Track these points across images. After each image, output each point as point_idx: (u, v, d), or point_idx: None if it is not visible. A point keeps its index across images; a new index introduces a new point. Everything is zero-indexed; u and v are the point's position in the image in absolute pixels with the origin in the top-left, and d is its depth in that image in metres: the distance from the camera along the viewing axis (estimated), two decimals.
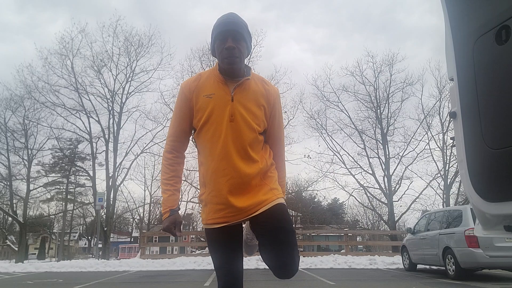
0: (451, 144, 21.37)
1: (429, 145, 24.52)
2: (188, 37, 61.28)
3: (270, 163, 1.90)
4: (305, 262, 12.41)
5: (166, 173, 1.90)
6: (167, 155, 1.92)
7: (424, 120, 24.48)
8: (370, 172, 24.97)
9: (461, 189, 23.32)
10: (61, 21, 55.33)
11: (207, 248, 21.80)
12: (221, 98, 1.82)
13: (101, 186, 26.65)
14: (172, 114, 1.97)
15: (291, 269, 1.72)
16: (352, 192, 26.44)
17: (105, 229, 24.13)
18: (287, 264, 1.70)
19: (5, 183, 27.43)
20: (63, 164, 29.96)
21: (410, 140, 24.63)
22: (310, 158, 25.24)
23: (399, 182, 24.77)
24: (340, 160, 25.20)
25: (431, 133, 24.66)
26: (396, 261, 12.35)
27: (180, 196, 1.99)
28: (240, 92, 1.84)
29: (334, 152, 25.29)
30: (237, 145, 1.79)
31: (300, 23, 67.22)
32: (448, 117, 17.93)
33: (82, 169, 29.01)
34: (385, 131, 24.78)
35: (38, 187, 29.34)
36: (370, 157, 25.02)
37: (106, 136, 24.91)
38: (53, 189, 32.88)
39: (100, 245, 24.24)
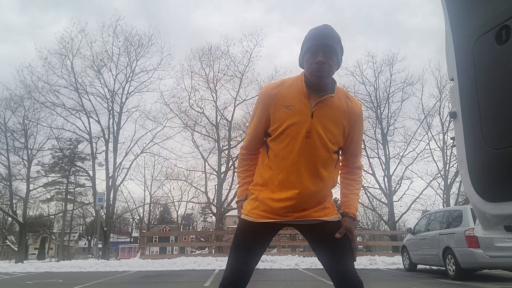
0: (451, 144, 21.37)
1: (429, 145, 24.59)
2: (190, 38, 61.36)
3: (336, 183, 1.92)
4: (305, 262, 12.41)
5: (240, 167, 2.03)
6: (242, 151, 2.01)
7: (424, 120, 24.53)
8: (370, 172, 25.01)
9: (461, 189, 23.34)
10: (64, 22, 55.53)
11: (207, 248, 21.83)
12: (301, 112, 1.78)
13: (101, 186, 26.72)
14: (251, 114, 1.97)
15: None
16: None
17: (105, 229, 24.14)
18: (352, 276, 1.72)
19: (5, 183, 27.47)
20: (63, 164, 30.00)
21: (410, 140, 24.69)
22: None
23: (399, 182, 24.83)
24: None
25: (431, 133, 24.73)
26: (396, 261, 12.34)
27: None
28: (321, 108, 1.79)
29: None
30: (309, 162, 1.77)
31: (303, 24, 67.22)
32: (448, 117, 17.93)
33: (82, 169, 29.09)
34: (385, 131, 24.80)
35: (38, 187, 29.46)
36: (370, 157, 25.06)
37: (106, 136, 24.95)
38: (53, 189, 32.98)
39: (100, 245, 24.24)
